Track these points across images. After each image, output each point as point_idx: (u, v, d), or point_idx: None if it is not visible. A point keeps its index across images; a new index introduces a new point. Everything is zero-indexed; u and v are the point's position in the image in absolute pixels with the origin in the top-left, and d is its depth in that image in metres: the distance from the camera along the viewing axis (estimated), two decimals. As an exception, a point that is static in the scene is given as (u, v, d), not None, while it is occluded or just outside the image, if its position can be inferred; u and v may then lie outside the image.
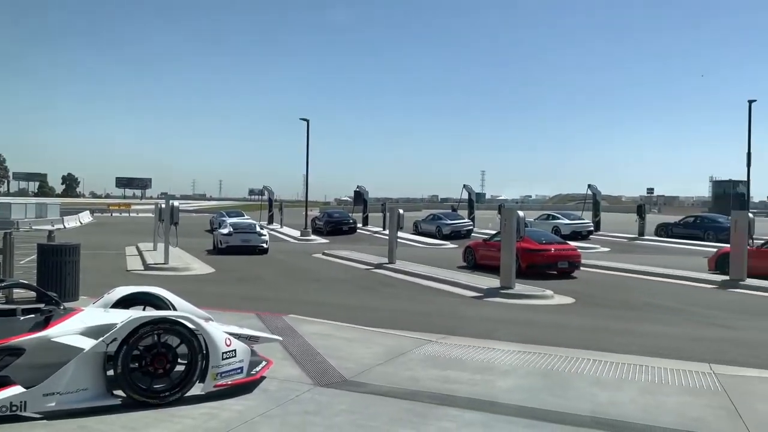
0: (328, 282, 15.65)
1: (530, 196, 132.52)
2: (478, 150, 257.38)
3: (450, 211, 38.54)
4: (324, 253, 23.13)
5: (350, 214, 39.07)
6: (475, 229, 33.43)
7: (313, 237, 33.57)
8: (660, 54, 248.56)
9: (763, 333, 9.38)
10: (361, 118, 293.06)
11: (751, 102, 29.70)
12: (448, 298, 12.99)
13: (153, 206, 32.64)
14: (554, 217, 33.19)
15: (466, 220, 34.52)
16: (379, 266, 18.41)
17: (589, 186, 35.82)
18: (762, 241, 16.53)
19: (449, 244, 28.85)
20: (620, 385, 6.10)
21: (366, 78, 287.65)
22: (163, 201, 20.37)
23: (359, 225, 37.71)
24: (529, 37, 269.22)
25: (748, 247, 15.06)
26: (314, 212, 46.03)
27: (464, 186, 40.08)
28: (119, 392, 4.88)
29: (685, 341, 8.64)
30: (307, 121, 36.65)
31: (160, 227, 20.17)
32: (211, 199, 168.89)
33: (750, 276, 14.59)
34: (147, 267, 18.03)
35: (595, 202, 35.02)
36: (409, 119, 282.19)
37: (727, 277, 14.98)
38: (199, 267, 18.42)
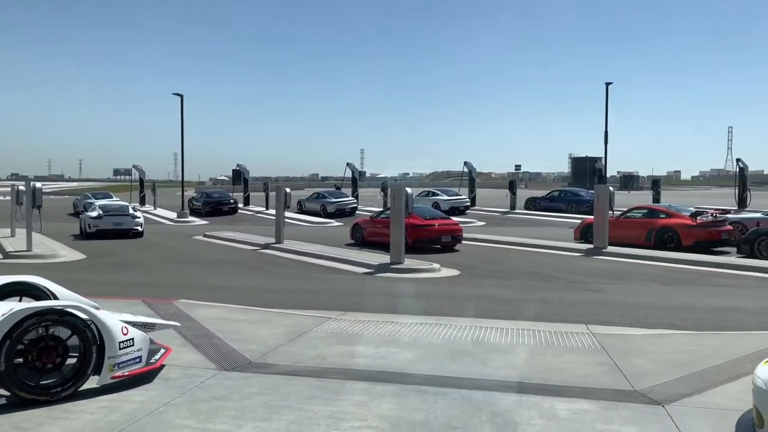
0: (215, 264, 15.10)
1: (408, 174, 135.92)
2: (357, 128, 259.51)
3: (334, 189, 38.59)
4: (205, 235, 22.24)
5: (230, 194, 37.82)
6: (360, 207, 33.80)
7: (191, 218, 32.13)
8: (532, 42, 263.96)
9: (628, 294, 10.44)
10: (234, 94, 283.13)
11: (608, 84, 32.45)
12: (341, 276, 13.07)
13: (8, 189, 29.48)
14: (434, 194, 34.42)
15: (351, 198, 34.75)
16: (266, 246, 18.06)
17: (465, 163, 37.47)
18: (620, 212, 18.30)
19: (335, 222, 28.94)
20: (513, 349, 6.52)
21: (240, 53, 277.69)
22: (22, 183, 18.46)
23: (240, 205, 36.65)
24: (406, 18, 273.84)
25: (609, 218, 16.62)
26: (190, 192, 44.04)
27: (347, 164, 40.28)
28: (3, 391, 4.42)
29: (562, 305, 9.39)
30: (181, 96, 34.73)
31: (19, 211, 18.26)
32: (70, 180, 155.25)
33: (611, 244, 16.12)
34: (6, 255, 16.31)
35: (470, 178, 36.70)
36: (285, 96, 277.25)
37: (591, 246, 16.43)
38: (68, 253, 16.96)
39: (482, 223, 27.34)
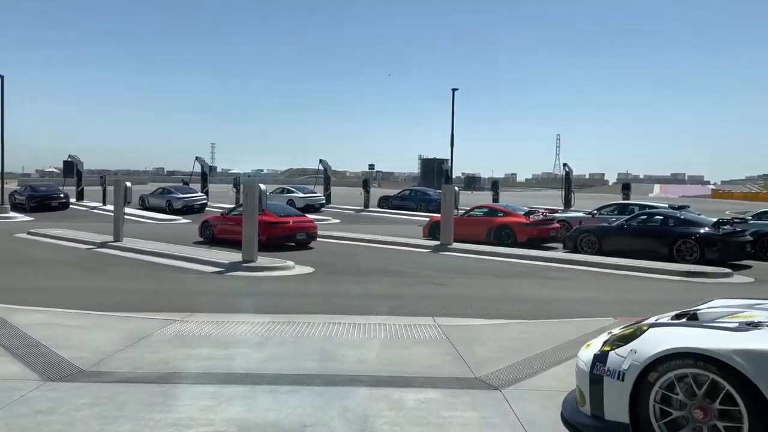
0: (43, 265, 13.60)
1: (263, 170, 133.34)
2: (208, 122, 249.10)
3: (181, 184, 36.60)
4: (30, 233, 19.99)
5: (60, 188, 34.34)
6: (210, 203, 32.44)
7: (12, 214, 28.67)
8: (382, 41, 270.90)
9: (471, 288, 11.11)
10: (68, 77, 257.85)
11: (454, 90, 34.35)
12: (188, 275, 12.42)
13: None
14: (289, 191, 34.07)
15: (200, 194, 33.18)
16: (103, 245, 16.64)
17: (321, 161, 37.56)
18: (464, 211, 19.44)
19: (182, 219, 27.49)
20: (365, 343, 6.63)
21: (75, 33, 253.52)
22: None
23: (73, 200, 33.42)
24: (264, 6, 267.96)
25: (455, 216, 17.59)
26: (12, 186, 39.35)
27: (196, 158, 38.40)
28: None
29: (412, 300, 9.75)
30: (1, 77, 30.79)
31: None
32: None
33: (456, 240, 17.07)
34: None
35: (326, 176, 36.86)
36: (129, 83, 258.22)
37: (438, 242, 17.27)
38: None
39: (337, 221, 27.58)
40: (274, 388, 4.93)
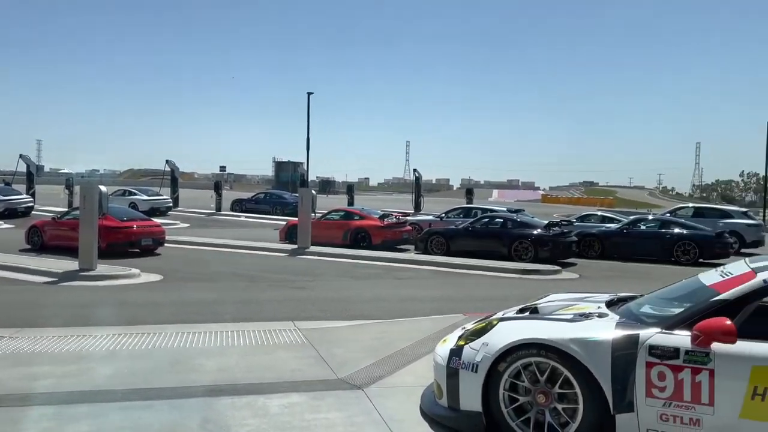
0: None
1: (98, 170, 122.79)
2: (33, 117, 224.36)
3: (2, 185, 32.57)
4: None
5: None
6: (37, 206, 29.22)
7: None
8: (239, 44, 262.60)
9: (329, 290, 11.21)
10: None
11: (309, 94, 34.43)
12: (15, 287, 11.11)
13: None
14: (131, 193, 31.79)
15: (25, 196, 29.70)
16: None
17: (167, 162, 35.54)
18: (320, 214, 19.56)
19: (3, 224, 24.49)
20: (224, 351, 6.43)
21: None
22: None
23: None
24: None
25: (312, 220, 17.62)
26: None
27: (21, 156, 34.38)
28: None
29: (270, 304, 9.62)
30: None
31: None
32: None
33: (313, 244, 17.10)
34: None
35: (173, 178, 34.95)
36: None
37: (296, 246, 17.19)
38: None
39: (186, 225, 26.28)
40: (126, 405, 4.62)
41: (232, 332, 7.26)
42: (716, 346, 3.46)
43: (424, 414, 4.52)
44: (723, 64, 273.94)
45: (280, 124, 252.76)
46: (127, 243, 15.75)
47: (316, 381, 5.39)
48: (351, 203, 33.03)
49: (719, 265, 4.50)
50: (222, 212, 31.89)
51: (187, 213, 31.54)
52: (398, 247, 18.46)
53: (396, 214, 20.13)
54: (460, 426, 4.17)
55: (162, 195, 32.61)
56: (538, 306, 4.87)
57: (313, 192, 17.96)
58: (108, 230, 15.03)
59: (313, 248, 16.83)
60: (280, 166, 65.62)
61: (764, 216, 35.91)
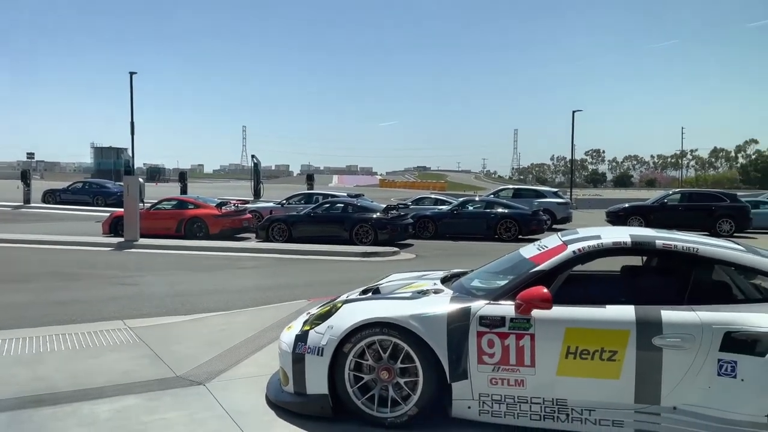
0: None
1: None
2: None
3: None
4: None
5: None
6: None
7: None
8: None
9: (163, 285, 10.53)
10: None
11: (132, 74, 31.83)
12: None
13: None
14: None
15: None
16: None
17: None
18: (150, 204, 18.29)
19: None
20: (41, 359, 5.76)
21: None
22: None
23: None
24: None
25: (140, 210, 16.41)
26: None
27: None
28: None
29: (96, 304, 8.79)
30: None
31: None
32: None
33: (143, 236, 15.97)
34: None
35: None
36: None
37: (122, 239, 15.91)
38: None
39: (-12, 220, 23.09)
40: None
41: (51, 336, 6.54)
42: (536, 312, 3.83)
43: (271, 403, 4.46)
44: (537, 56, 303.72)
45: (100, 107, 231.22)
46: None
47: (153, 381, 5.06)
48: (184, 191, 31.31)
49: (536, 240, 4.98)
50: (32, 204, 28.53)
51: (-12, 206, 27.70)
52: (238, 236, 17.94)
53: (234, 201, 19.48)
54: (307, 410, 4.18)
55: (-45, 186, 28.29)
56: (380, 286, 5.02)
57: (141, 180, 16.71)
58: None
59: (142, 241, 15.72)
60: (100, 152, 59.96)
61: (571, 195, 40.63)
